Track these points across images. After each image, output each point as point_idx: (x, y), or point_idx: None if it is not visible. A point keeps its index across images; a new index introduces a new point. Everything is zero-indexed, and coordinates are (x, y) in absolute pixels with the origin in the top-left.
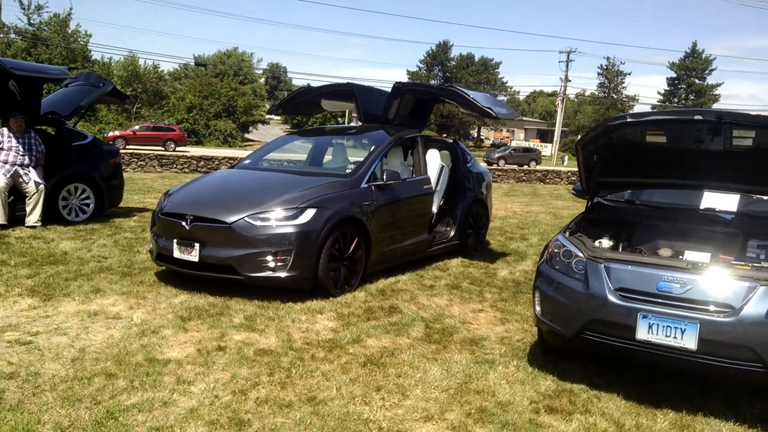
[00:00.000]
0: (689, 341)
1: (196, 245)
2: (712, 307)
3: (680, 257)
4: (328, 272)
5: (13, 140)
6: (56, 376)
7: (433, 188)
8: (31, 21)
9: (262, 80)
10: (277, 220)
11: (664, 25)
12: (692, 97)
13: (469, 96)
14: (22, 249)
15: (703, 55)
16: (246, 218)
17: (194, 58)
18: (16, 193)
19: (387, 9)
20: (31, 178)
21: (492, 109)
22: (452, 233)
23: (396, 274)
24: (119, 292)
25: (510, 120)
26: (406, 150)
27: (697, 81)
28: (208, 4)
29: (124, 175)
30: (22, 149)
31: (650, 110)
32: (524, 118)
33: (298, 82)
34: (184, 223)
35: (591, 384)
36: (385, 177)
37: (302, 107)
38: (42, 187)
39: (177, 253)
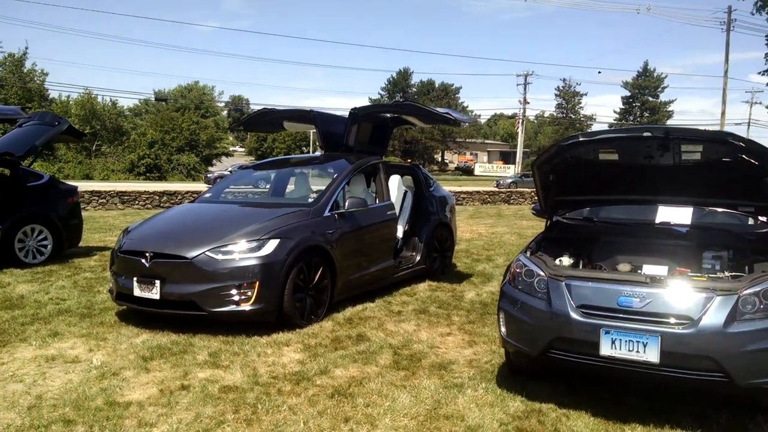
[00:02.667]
0: (652, 354)
1: (157, 282)
2: (672, 320)
3: (639, 272)
4: (293, 303)
5: None
6: (11, 426)
7: (397, 213)
8: None
9: (225, 113)
10: (240, 253)
11: (616, 47)
12: (647, 115)
13: (425, 106)
14: None
15: (655, 74)
16: (207, 252)
17: (154, 94)
18: None
19: (346, 39)
20: None
21: (450, 114)
22: (418, 258)
23: (363, 302)
24: (78, 334)
25: (467, 124)
26: (369, 177)
27: (650, 99)
28: (167, 39)
29: (84, 213)
30: None
31: (602, 129)
32: (486, 141)
33: None
34: (143, 260)
35: (559, 403)
36: (347, 204)
37: (263, 126)
38: None
39: (137, 292)
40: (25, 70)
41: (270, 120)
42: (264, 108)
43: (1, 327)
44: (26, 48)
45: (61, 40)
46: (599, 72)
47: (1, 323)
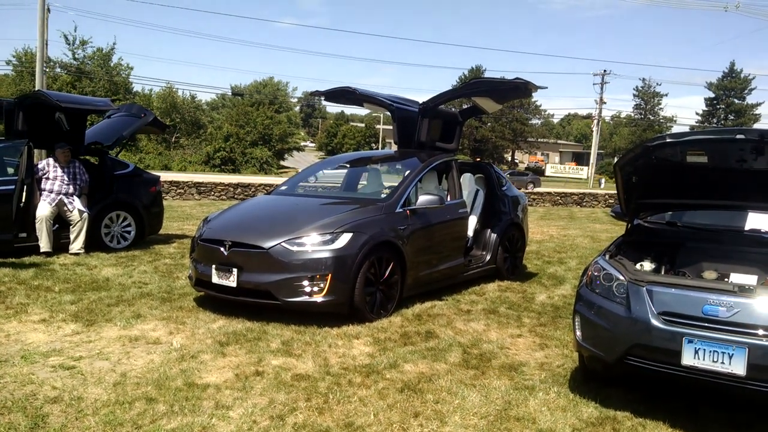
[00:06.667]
0: (738, 367)
1: (235, 270)
2: (760, 332)
3: (726, 280)
4: (364, 297)
5: (59, 170)
6: (98, 401)
7: (468, 212)
8: (76, 56)
9: (297, 108)
10: (313, 245)
11: (701, 46)
12: (732, 117)
13: (493, 78)
14: (66, 275)
15: (742, 75)
16: (283, 243)
17: (231, 88)
18: (60, 221)
19: (419, 36)
20: (75, 207)
21: (520, 78)
22: (488, 257)
23: (432, 299)
24: (159, 317)
25: (539, 90)
26: (441, 174)
27: (736, 101)
28: (245, 35)
29: (164, 202)
30: (66, 178)
31: (690, 130)
32: (559, 141)
33: (333, 110)
34: (222, 249)
35: (635, 411)
36: (419, 201)
37: (342, 100)
38: (85, 215)
39: (216, 279)
40: (111, 64)
41: (352, 98)
42: (348, 87)
43: (89, 307)
44: (114, 43)
45: (145, 36)
46: None
47: (89, 303)
